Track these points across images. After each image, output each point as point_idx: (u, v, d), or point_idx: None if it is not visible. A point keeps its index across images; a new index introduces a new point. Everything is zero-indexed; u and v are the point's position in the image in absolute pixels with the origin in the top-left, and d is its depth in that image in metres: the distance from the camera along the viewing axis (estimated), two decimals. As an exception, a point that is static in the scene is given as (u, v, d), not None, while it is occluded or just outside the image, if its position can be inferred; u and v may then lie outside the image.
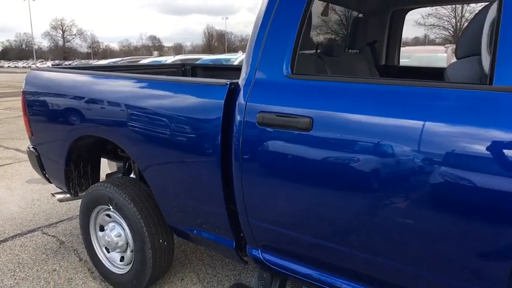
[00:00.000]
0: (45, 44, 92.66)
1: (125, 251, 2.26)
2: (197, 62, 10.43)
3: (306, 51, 2.08)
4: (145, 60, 12.86)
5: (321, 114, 1.36)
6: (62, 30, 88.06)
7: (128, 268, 2.25)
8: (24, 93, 2.57)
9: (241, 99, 1.56)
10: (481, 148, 1.09)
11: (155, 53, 46.06)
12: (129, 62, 13.51)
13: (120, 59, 20.40)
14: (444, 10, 35.95)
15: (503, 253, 1.10)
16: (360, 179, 1.30)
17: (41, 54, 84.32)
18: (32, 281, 2.45)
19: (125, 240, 2.23)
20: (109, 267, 2.36)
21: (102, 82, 2.12)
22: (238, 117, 1.55)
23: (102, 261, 2.39)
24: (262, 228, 1.63)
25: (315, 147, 1.37)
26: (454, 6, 34.57)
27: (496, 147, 1.07)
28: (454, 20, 37.71)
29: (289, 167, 1.43)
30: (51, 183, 2.75)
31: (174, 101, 1.76)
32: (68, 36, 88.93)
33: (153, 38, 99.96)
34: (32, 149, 2.69)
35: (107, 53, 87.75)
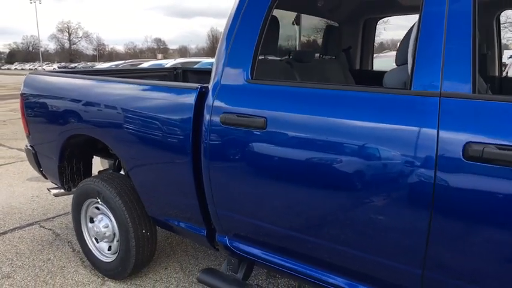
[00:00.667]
0: (51, 46, 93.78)
1: (112, 240, 2.46)
2: (196, 66, 10.67)
3: (275, 58, 2.27)
4: (145, 64, 13.10)
5: (274, 115, 1.55)
6: (69, 32, 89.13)
7: (114, 256, 2.45)
8: (22, 95, 2.79)
9: (209, 101, 1.75)
10: (400, 144, 1.27)
11: (159, 55, 46.41)
12: (131, 66, 13.78)
13: (123, 62, 20.73)
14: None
15: (414, 233, 1.28)
16: (308, 170, 1.48)
17: (48, 57, 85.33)
18: (27, 268, 2.65)
19: (112, 231, 2.42)
20: (98, 256, 2.55)
21: (89, 85, 2.33)
22: (206, 117, 1.75)
23: (92, 250, 2.58)
24: (228, 217, 1.81)
25: (270, 144, 1.56)
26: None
27: (411, 143, 1.25)
28: None
29: (248, 161, 1.62)
30: (47, 179, 2.96)
31: (151, 103, 1.95)
32: (74, 39, 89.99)
33: (158, 41, 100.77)
34: (29, 147, 2.90)
35: (113, 55, 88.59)
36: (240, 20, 1.72)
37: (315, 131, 1.45)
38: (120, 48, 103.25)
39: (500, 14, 2.39)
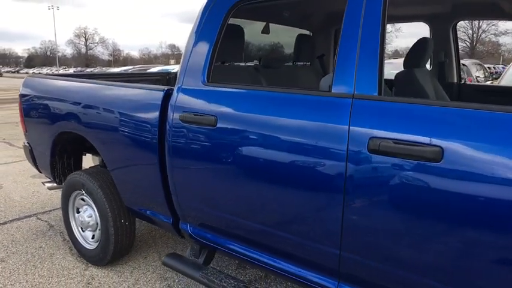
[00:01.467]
0: (68, 51, 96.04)
1: (95, 229, 2.68)
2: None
3: (241, 64, 2.48)
4: (154, 69, 13.48)
5: (223, 113, 1.75)
6: (85, 38, 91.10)
7: (96, 244, 2.67)
8: (20, 96, 3.05)
9: (173, 101, 1.97)
10: (322, 139, 1.46)
11: (172, 61, 47.22)
12: (139, 70, 14.19)
13: (132, 67, 21.25)
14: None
15: (331, 218, 1.46)
16: (252, 163, 1.67)
17: (65, 61, 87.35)
18: (20, 254, 2.89)
19: (95, 221, 2.65)
20: (83, 244, 2.78)
21: (74, 87, 2.57)
22: (170, 116, 1.96)
23: (78, 239, 2.81)
24: (188, 207, 2.02)
25: (220, 139, 1.76)
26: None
27: (330, 138, 1.43)
28: (470, 32, 37.29)
29: (202, 156, 1.83)
30: (41, 173, 3.21)
31: (124, 103, 2.18)
32: (90, 44, 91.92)
33: (172, 47, 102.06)
34: (26, 144, 3.16)
35: (127, 60, 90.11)
36: (199, 32, 1.94)
37: (258, 127, 1.64)
38: (135, 53, 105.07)
39: (456, 24, 2.55)
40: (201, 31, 1.94)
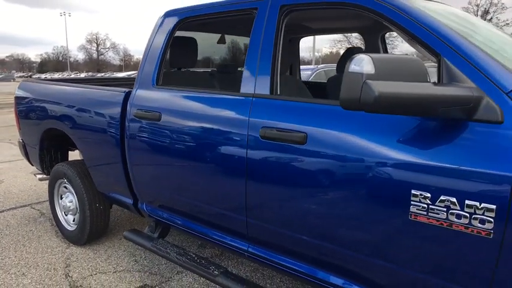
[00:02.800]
0: (80, 56, 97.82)
1: (75, 213, 3.09)
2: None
3: (198, 70, 2.87)
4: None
5: (166, 110, 2.14)
6: (97, 43, 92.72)
7: (76, 226, 3.08)
8: (15, 98, 3.49)
9: (131, 100, 2.37)
10: (236, 128, 1.84)
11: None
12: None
13: (133, 72, 21.90)
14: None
15: (239, 192, 1.83)
16: (195, 150, 2.04)
17: (77, 66, 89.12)
18: (12, 236, 3.31)
19: (75, 205, 3.06)
20: (66, 226, 3.19)
21: (57, 89, 3.00)
22: (128, 113, 2.36)
23: (62, 222, 3.23)
24: (143, 189, 2.41)
25: (163, 131, 2.15)
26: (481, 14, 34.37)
27: (239, 127, 1.81)
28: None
29: (149, 145, 2.22)
30: (33, 165, 3.64)
31: (94, 103, 2.59)
32: (101, 50, 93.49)
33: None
34: (20, 140, 3.60)
35: (138, 65, 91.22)
36: (151, 43, 2.35)
37: (191, 121, 2.03)
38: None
39: (384, 35, 2.91)
40: (152, 43, 2.35)
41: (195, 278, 2.62)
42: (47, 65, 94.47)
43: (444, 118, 1.26)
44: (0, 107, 15.03)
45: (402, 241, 1.38)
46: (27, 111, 3.34)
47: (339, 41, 46.55)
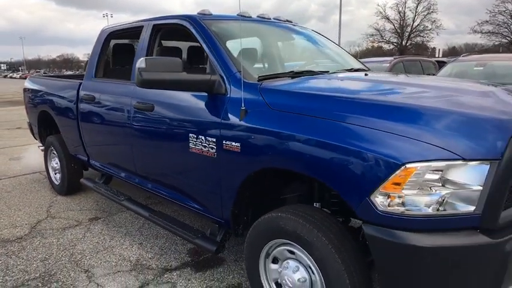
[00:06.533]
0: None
1: (60, 172, 4.30)
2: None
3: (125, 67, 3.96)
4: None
5: (98, 93, 3.23)
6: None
7: (60, 181, 4.28)
8: (24, 89, 4.76)
9: (81, 88, 3.49)
10: (124, 103, 2.89)
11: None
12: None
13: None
14: (502, 16, 34.31)
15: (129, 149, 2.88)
16: (109, 120, 3.12)
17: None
18: (19, 189, 4.58)
19: (59, 166, 4.26)
20: (54, 182, 4.41)
21: (45, 82, 4.20)
22: (80, 95, 3.48)
23: (52, 179, 4.45)
24: (89, 149, 3.54)
25: (96, 108, 3.25)
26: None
27: (126, 102, 2.86)
28: (513, 27, 35.58)
29: (90, 119, 3.33)
30: (36, 140, 4.91)
31: (62, 90, 3.75)
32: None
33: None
34: (28, 122, 4.88)
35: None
36: (94, 48, 3.46)
37: (107, 100, 3.11)
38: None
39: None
40: (93, 48, 3.45)
41: (131, 215, 3.71)
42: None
43: (198, 92, 2.25)
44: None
45: (186, 162, 2.38)
46: (29, 98, 4.59)
47: (372, 35, 46.38)
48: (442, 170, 1.47)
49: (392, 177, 1.48)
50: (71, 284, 2.55)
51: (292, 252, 1.89)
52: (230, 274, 2.64)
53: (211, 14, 2.72)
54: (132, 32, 3.13)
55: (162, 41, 3.24)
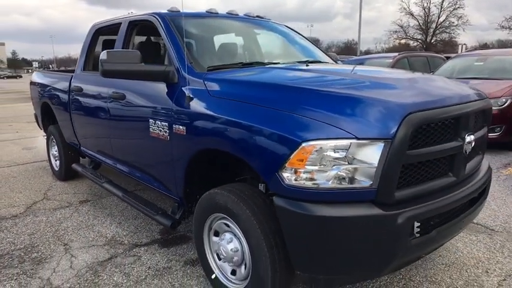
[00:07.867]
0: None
1: (59, 159, 4.64)
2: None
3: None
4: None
5: (85, 85, 3.52)
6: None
7: (59, 167, 4.63)
8: (30, 83, 5.14)
9: (72, 80, 3.79)
10: (101, 92, 3.16)
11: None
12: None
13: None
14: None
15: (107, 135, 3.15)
16: (94, 110, 3.40)
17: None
18: (26, 175, 4.96)
19: (58, 153, 4.60)
20: (55, 168, 4.77)
21: (46, 75, 4.55)
22: (72, 87, 3.78)
23: (53, 165, 4.81)
24: (79, 137, 3.84)
25: (83, 98, 3.54)
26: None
27: (102, 90, 3.13)
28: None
29: (79, 109, 3.62)
30: (41, 129, 5.28)
31: (58, 83, 4.07)
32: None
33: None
34: (34, 113, 5.26)
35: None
36: (83, 44, 3.75)
37: (92, 91, 3.39)
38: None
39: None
40: (83, 43, 3.74)
41: (118, 198, 3.99)
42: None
43: (156, 82, 2.47)
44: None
45: (148, 146, 2.61)
46: (34, 91, 4.95)
47: (395, 32, 45.65)
48: (342, 149, 1.63)
49: (295, 154, 1.66)
50: (49, 255, 2.84)
51: (228, 226, 2.10)
52: (192, 250, 2.86)
53: (179, 11, 2.94)
54: (115, 28, 3.39)
55: (141, 36, 3.48)
